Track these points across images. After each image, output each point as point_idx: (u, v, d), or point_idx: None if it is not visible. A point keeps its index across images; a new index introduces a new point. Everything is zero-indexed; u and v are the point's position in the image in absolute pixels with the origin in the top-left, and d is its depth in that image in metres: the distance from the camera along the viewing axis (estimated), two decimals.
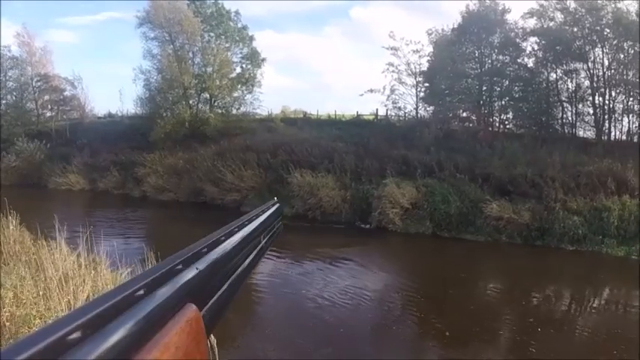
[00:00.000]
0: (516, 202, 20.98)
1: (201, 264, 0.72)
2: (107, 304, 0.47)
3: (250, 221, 1.09)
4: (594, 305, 13.65)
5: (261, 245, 1.15)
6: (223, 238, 0.86)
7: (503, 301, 13.75)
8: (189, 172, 29.99)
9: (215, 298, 0.78)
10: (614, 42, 26.49)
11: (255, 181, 27.25)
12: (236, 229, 0.95)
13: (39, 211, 16.16)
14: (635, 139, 26.38)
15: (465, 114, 30.77)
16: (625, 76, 26.51)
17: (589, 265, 17.61)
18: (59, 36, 75.48)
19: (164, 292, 0.57)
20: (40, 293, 6.36)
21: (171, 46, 35.82)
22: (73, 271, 7.28)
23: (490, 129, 29.34)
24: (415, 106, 32.54)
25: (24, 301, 6.00)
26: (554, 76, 29.00)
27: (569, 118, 28.79)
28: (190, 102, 36.71)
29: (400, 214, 22.11)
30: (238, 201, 26.85)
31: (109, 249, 9.61)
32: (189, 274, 0.67)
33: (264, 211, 1.24)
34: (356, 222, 23.10)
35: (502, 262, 18.18)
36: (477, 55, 30.17)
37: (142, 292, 0.53)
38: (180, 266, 0.66)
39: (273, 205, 1.37)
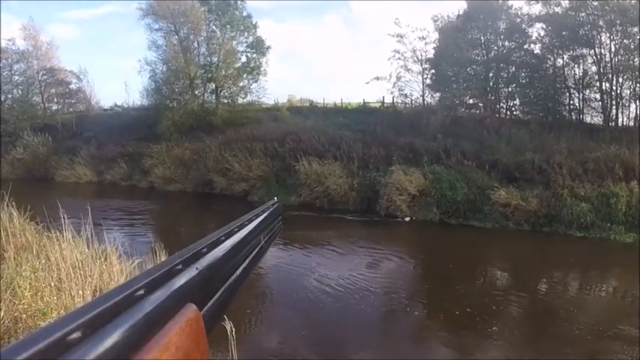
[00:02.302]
0: (524, 189, 20.96)
1: (201, 264, 0.73)
2: (107, 304, 0.47)
3: (250, 221, 1.09)
4: (599, 291, 13.60)
5: (260, 245, 1.16)
6: (223, 238, 0.87)
7: (509, 285, 13.82)
8: (196, 163, 30.14)
9: (215, 298, 0.79)
10: (620, 27, 26.28)
11: (262, 170, 27.28)
12: (236, 229, 0.96)
13: (46, 204, 16.15)
14: None
15: (471, 101, 30.67)
16: (632, 62, 26.33)
17: (596, 252, 17.52)
18: (61, 30, 75.73)
19: (164, 292, 0.58)
20: (52, 284, 6.37)
21: (176, 36, 35.87)
22: (82, 263, 7.30)
23: (497, 115, 29.28)
24: (422, 93, 32.39)
25: (38, 293, 6.02)
26: (561, 62, 28.83)
27: (576, 105, 28.65)
28: (196, 92, 36.75)
29: (407, 201, 22.14)
30: (246, 191, 26.98)
31: (117, 240, 9.63)
32: (189, 274, 0.67)
33: (263, 211, 1.25)
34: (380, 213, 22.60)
35: (509, 249, 18.15)
36: (482, 41, 30.02)
37: (142, 292, 0.54)
38: (180, 266, 0.66)
39: (272, 205, 1.38)
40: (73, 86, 44.36)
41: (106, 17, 74.62)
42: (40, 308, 5.71)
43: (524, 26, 29.36)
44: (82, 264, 7.21)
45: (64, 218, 8.73)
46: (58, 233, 8.52)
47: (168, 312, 0.57)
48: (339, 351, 9.36)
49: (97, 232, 9.29)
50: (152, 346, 0.50)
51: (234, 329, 5.62)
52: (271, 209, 1.32)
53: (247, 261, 1.02)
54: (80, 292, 6.44)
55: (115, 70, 72.76)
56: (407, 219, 21.85)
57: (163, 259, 9.53)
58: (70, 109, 43.92)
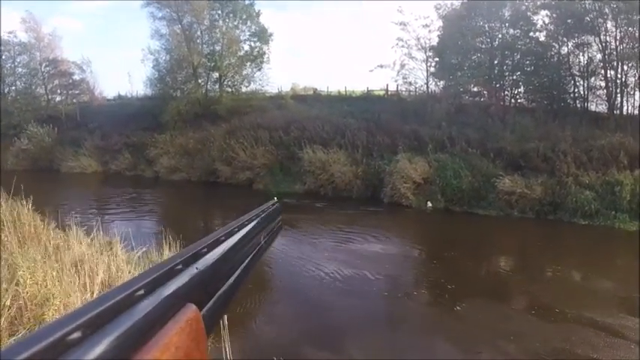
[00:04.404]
0: (528, 177, 20.96)
1: (201, 264, 0.72)
2: (107, 304, 0.47)
3: (250, 221, 1.09)
4: (596, 279, 13.58)
5: (260, 245, 1.16)
6: (223, 238, 0.87)
7: (511, 269, 13.97)
8: (201, 152, 30.33)
9: (215, 298, 0.78)
10: (626, 15, 26.09)
11: (267, 158, 27.39)
12: (236, 229, 0.96)
13: (53, 195, 16.22)
14: None
15: (476, 88, 30.49)
16: (637, 50, 26.17)
17: (599, 240, 17.52)
18: (64, 21, 75.48)
19: (164, 292, 0.58)
20: (54, 274, 6.38)
21: (179, 25, 35.82)
22: (88, 254, 7.34)
23: (501, 103, 29.15)
24: (426, 81, 32.23)
25: (40, 282, 6.04)
26: (566, 49, 28.62)
27: (581, 92, 28.49)
28: (200, 81, 36.79)
29: (412, 189, 22.20)
30: (251, 179, 27.15)
31: (122, 230, 9.66)
32: (189, 274, 0.67)
33: (263, 211, 1.24)
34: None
35: (513, 236, 18.21)
36: (487, 29, 29.84)
37: (142, 292, 0.54)
38: (180, 266, 0.66)
39: (272, 205, 1.38)
40: (76, 77, 44.31)
41: (108, 9, 74.20)
42: (44, 295, 5.73)
43: (529, 14, 29.11)
44: (88, 255, 7.25)
45: (70, 209, 8.78)
46: (63, 224, 8.56)
47: (168, 312, 0.57)
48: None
49: (102, 221, 9.34)
50: (152, 346, 0.50)
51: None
52: (271, 209, 1.33)
53: (247, 261, 1.02)
54: (88, 283, 6.49)
55: (118, 60, 72.67)
56: (429, 205, 21.81)
57: (167, 247, 9.54)
58: (74, 100, 43.86)
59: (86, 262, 6.97)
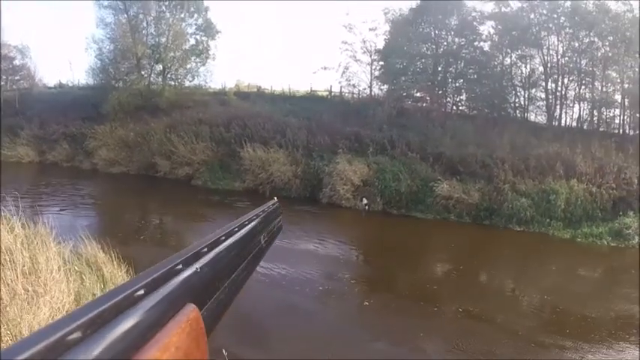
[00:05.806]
0: (466, 182, 21.31)
1: (201, 264, 0.70)
2: (107, 304, 0.47)
3: (250, 221, 1.07)
4: (519, 280, 13.82)
5: (260, 245, 1.13)
6: (223, 238, 0.84)
7: (437, 272, 14.15)
8: (141, 145, 29.73)
9: (215, 298, 0.76)
10: (570, 30, 26.84)
11: (207, 154, 27.19)
12: (236, 229, 0.93)
13: None
14: (585, 126, 26.86)
15: (419, 94, 30.65)
16: (578, 65, 26.92)
17: (534, 246, 17.83)
18: (5, 5, 73.29)
19: (164, 292, 0.57)
20: None
21: (125, 15, 34.91)
22: (16, 246, 6.98)
23: (443, 109, 29.56)
24: (369, 84, 32.44)
25: None
26: (509, 60, 29.33)
27: (522, 102, 29.29)
28: (143, 73, 35.97)
29: (351, 190, 22.21)
30: (190, 175, 26.86)
31: (56, 222, 9.29)
32: (189, 274, 0.66)
33: (263, 211, 1.23)
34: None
35: (447, 239, 18.35)
36: (433, 35, 30.16)
37: (142, 292, 0.53)
38: (180, 266, 0.64)
39: (272, 205, 1.36)
40: (17, 62, 42.72)
41: None
42: None
43: (475, 23, 29.67)
44: (15, 247, 6.90)
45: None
46: None
47: (168, 312, 0.57)
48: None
49: (34, 213, 8.99)
50: (152, 346, 0.51)
51: None
52: (271, 209, 1.32)
53: (247, 261, 0.99)
54: (15, 277, 6.25)
55: (60, 47, 70.98)
56: (365, 201, 21.94)
57: (94, 243, 9.13)
58: (14, 87, 42.24)
59: (13, 254, 6.62)
